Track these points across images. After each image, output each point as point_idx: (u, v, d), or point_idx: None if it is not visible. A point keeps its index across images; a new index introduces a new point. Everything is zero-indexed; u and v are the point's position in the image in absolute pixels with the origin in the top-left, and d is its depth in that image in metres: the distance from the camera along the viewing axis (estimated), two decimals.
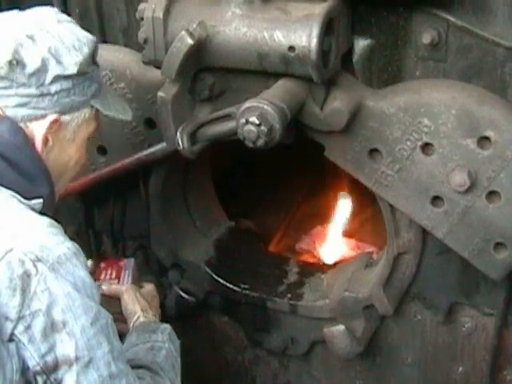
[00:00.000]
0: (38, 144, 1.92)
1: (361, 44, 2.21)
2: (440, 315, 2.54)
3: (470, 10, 2.08)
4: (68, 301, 1.72)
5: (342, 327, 2.57)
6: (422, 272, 2.48)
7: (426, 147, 2.15)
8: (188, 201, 2.90)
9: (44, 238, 1.75)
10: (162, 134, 2.31)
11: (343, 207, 3.53)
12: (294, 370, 2.93)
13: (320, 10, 2.02)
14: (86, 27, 2.59)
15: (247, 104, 2.00)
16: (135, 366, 2.03)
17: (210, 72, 2.22)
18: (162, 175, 2.68)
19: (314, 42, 1.99)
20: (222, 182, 3.12)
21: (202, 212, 2.96)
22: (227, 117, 2.16)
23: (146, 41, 2.20)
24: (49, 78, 1.87)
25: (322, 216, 3.59)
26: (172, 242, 2.83)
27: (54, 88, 1.89)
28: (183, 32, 2.07)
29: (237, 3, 2.11)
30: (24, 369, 1.73)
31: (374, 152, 2.23)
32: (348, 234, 3.48)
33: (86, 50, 1.96)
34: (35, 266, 1.69)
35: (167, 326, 2.30)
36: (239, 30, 2.09)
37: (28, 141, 1.90)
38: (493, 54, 2.10)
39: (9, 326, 1.68)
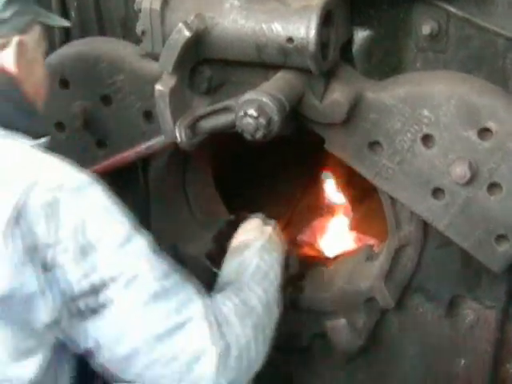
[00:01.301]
0: (11, 72, 1.92)
1: (360, 35, 2.20)
2: (442, 308, 2.52)
3: (471, 1, 2.07)
4: (96, 223, 1.74)
5: (343, 320, 2.56)
6: (424, 264, 2.47)
7: (427, 139, 2.13)
8: (188, 194, 2.88)
9: (63, 168, 1.77)
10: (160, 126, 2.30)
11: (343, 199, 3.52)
12: (294, 363, 2.93)
13: (318, 1, 2.00)
14: (83, 20, 2.60)
15: (246, 96, 1.99)
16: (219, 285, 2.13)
17: (208, 64, 2.21)
18: (162, 168, 2.67)
19: (313, 33, 1.97)
20: (222, 174, 3.11)
21: (202, 205, 2.94)
22: (226, 109, 2.15)
23: (143, 33, 2.19)
24: (1, 3, 1.88)
25: (323, 208, 3.58)
26: (172, 235, 2.82)
27: (7, 13, 1.90)
28: (181, 24, 2.05)
29: None
30: (65, 297, 1.72)
31: (374, 144, 2.22)
32: (349, 226, 3.46)
33: None
34: (60, 192, 1.71)
35: (265, 236, 2.34)
36: (237, 21, 2.07)
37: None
38: (494, 44, 2.09)
39: (46, 254, 1.68)
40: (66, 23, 2.29)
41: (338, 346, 2.61)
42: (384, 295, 2.52)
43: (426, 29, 2.12)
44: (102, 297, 1.73)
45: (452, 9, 2.08)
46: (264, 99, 1.95)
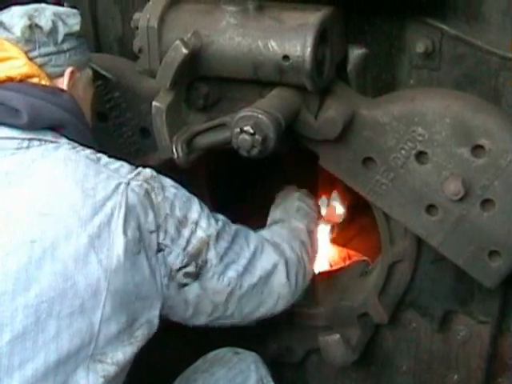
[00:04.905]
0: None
1: (355, 53, 2.21)
2: (435, 323, 2.54)
3: (464, 19, 2.09)
4: (179, 200, 2.06)
5: (336, 336, 2.56)
6: (417, 280, 2.48)
7: (421, 156, 2.15)
8: None
9: (135, 168, 2.04)
10: (157, 143, 2.31)
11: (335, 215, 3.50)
12: (289, 378, 2.93)
13: (314, 19, 2.02)
14: None
15: (242, 113, 2.00)
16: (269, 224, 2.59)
17: (204, 81, 2.22)
18: None
19: (308, 51, 1.99)
20: (215, 187, 3.11)
21: None
22: (222, 126, 2.16)
23: (140, 50, 2.21)
24: (60, 36, 2.12)
25: None
26: None
27: (65, 46, 2.13)
28: (177, 41, 2.07)
29: (231, 13, 2.11)
30: (171, 273, 2.04)
31: (368, 161, 2.23)
32: (340, 243, 3.45)
33: (79, 17, 2.21)
34: (148, 184, 1.99)
35: (301, 191, 2.75)
36: (233, 39, 2.09)
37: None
38: (487, 62, 2.11)
39: (154, 237, 1.97)
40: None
41: (332, 361, 2.61)
42: (378, 311, 2.53)
43: (419, 47, 2.14)
44: (204, 253, 2.09)
45: (445, 27, 2.10)
46: (260, 116, 1.96)
